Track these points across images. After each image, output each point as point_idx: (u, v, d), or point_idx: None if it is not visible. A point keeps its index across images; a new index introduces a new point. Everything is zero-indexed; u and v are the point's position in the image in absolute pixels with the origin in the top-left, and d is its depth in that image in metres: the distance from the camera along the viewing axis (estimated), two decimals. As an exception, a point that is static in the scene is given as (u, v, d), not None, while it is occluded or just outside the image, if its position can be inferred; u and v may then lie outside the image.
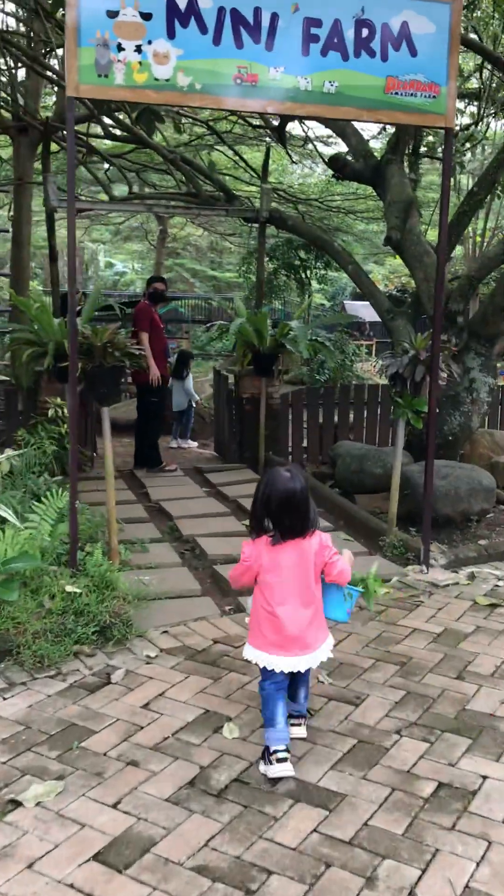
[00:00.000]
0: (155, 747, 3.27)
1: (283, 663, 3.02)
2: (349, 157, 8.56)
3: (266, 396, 8.67)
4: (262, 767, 3.04)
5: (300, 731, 3.29)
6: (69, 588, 4.36)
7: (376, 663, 4.09)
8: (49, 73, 9.12)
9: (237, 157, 13.89)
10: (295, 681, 3.23)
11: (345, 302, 27.39)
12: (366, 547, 6.02)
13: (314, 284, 23.21)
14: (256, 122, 11.02)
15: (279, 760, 2.97)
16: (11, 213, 14.69)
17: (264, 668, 3.07)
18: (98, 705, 3.60)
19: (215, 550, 5.72)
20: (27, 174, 14.16)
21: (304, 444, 9.23)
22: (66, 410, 7.33)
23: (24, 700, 3.64)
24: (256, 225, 8.67)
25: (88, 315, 7.79)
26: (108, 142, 19.18)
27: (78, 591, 4.36)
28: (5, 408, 8.25)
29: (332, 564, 3.09)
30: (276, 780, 2.97)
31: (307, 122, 14.16)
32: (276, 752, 2.98)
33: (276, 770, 2.96)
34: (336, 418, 9.31)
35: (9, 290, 10.34)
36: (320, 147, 16.45)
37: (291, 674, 3.10)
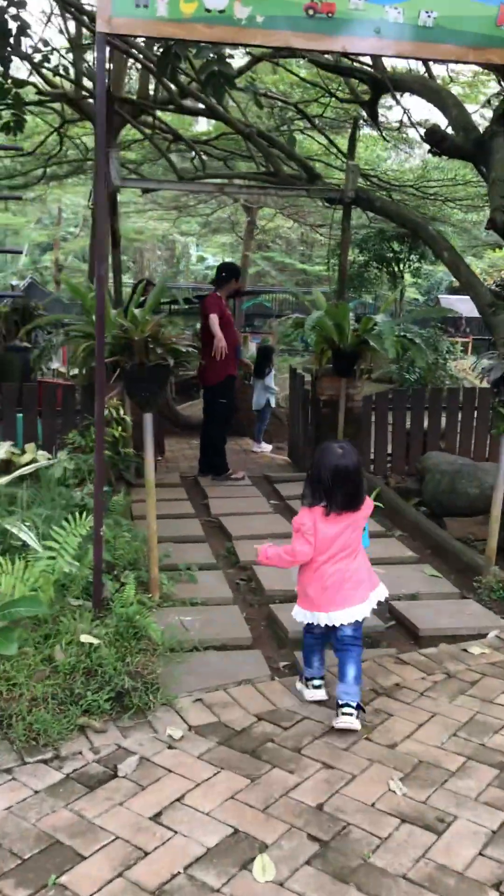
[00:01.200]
0: (158, 892, 2.36)
1: (341, 615, 3.21)
2: (449, 131, 7.43)
3: (346, 398, 7.67)
4: (299, 686, 3.53)
5: (350, 722, 3.17)
6: (84, 638, 3.50)
7: (467, 764, 3.06)
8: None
9: (327, 143, 12.92)
10: (343, 657, 3.27)
11: (440, 296, 25.94)
12: (456, 586, 4.97)
13: (407, 278, 21.91)
14: (344, 93, 9.97)
15: (315, 687, 3.46)
16: (91, 202, 14.11)
17: (307, 625, 3.38)
18: (96, 811, 2.72)
19: (274, 584, 4.78)
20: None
21: (389, 452, 8.18)
22: (122, 411, 6.54)
23: (4, 797, 2.79)
24: (340, 207, 7.64)
25: (151, 307, 6.96)
26: (195, 129, 18.47)
27: (95, 641, 3.50)
28: (63, 407, 7.52)
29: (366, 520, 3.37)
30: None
31: (403, 100, 13.02)
32: (312, 678, 3.47)
33: (311, 694, 3.46)
34: (426, 424, 8.23)
35: (85, 282, 9.61)
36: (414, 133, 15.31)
37: (340, 650, 3.28)
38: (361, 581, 3.26)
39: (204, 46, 4.87)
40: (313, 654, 3.46)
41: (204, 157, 12.17)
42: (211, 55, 5.02)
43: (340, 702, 3.18)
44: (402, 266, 19.55)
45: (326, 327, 7.32)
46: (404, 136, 15.95)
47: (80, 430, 6.65)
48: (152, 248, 37.10)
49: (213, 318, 6.90)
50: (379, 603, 3.36)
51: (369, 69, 8.27)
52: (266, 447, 9.51)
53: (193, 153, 11.83)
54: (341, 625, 3.22)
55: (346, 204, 7.47)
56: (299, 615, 3.39)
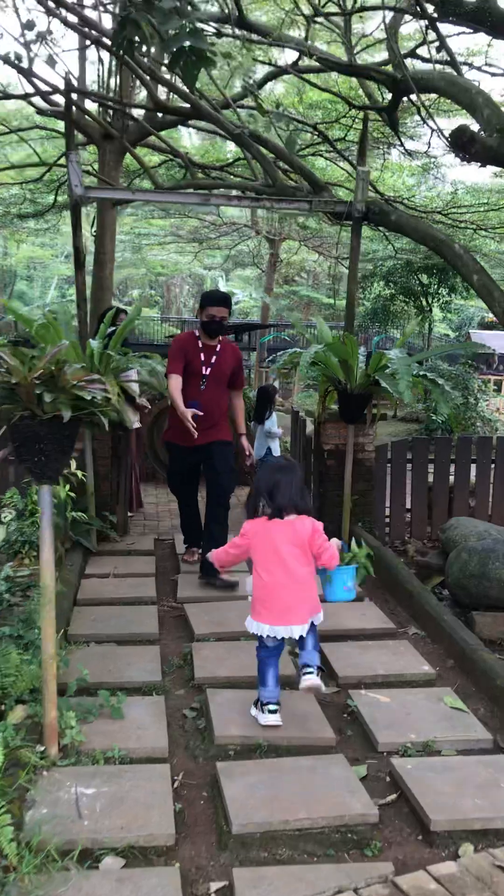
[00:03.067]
0: None
1: (282, 630, 3.28)
2: (480, 133, 6.06)
3: (355, 449, 6.25)
4: (254, 711, 3.39)
5: (312, 680, 3.29)
6: None
7: None
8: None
9: (352, 168, 11.64)
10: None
11: (471, 332, 24.40)
12: (489, 727, 3.47)
13: (436, 312, 20.50)
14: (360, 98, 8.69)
15: (270, 711, 3.32)
16: (94, 230, 12.99)
17: (260, 639, 3.36)
18: None
19: (231, 725, 3.35)
20: (114, 181, 12.40)
21: (408, 512, 6.72)
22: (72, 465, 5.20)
23: None
24: (349, 225, 6.29)
25: (119, 338, 5.64)
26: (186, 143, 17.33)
27: None
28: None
29: (322, 546, 3.30)
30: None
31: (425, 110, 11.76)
32: (267, 703, 3.33)
33: (266, 719, 3.30)
34: (451, 479, 6.77)
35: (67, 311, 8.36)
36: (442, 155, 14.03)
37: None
38: (307, 608, 3.36)
39: (169, 11, 3.58)
40: (267, 671, 3.40)
41: (196, 169, 11.02)
42: (181, 24, 3.75)
43: (305, 663, 3.34)
44: (430, 300, 18.15)
45: (331, 365, 5.93)
46: (431, 162, 14.66)
47: (24, 486, 5.33)
48: (179, 283, 36.19)
49: (171, 383, 5.08)
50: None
51: (388, 70, 6.96)
52: None
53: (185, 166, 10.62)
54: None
55: (355, 219, 6.11)
56: (252, 626, 3.40)
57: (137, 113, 11.26)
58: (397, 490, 6.64)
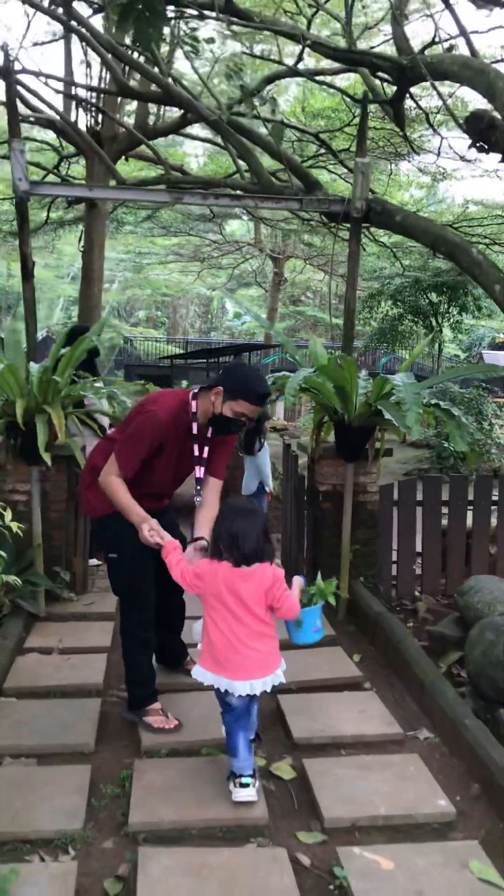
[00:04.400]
0: None
1: (240, 686, 2.90)
2: (499, 117, 5.07)
3: (355, 490, 5.22)
4: (231, 786, 2.96)
5: (247, 794, 2.93)
6: None
7: None
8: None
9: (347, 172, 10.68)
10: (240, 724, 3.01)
11: (483, 352, 23.33)
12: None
13: (447, 332, 19.49)
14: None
15: (242, 786, 2.93)
16: (82, 244, 12.07)
17: (222, 700, 3.01)
18: None
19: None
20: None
21: (419, 567, 5.67)
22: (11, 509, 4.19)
23: None
24: (346, 227, 5.29)
25: (67, 363, 4.66)
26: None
27: None
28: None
29: (280, 599, 2.94)
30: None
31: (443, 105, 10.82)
32: (240, 776, 2.95)
33: (238, 794, 2.92)
34: (469, 524, 5.72)
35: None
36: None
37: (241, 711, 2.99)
38: (268, 663, 2.98)
39: None
40: (237, 738, 2.99)
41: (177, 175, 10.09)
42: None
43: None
44: (440, 319, 17.15)
45: (325, 391, 4.91)
46: (435, 158, 13.65)
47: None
48: (186, 304, 35.35)
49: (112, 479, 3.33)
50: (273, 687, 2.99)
51: (393, 56, 6.00)
52: None
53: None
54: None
55: (353, 219, 5.11)
56: (201, 676, 3.00)
57: (127, 121, 10.39)
58: (406, 537, 5.59)
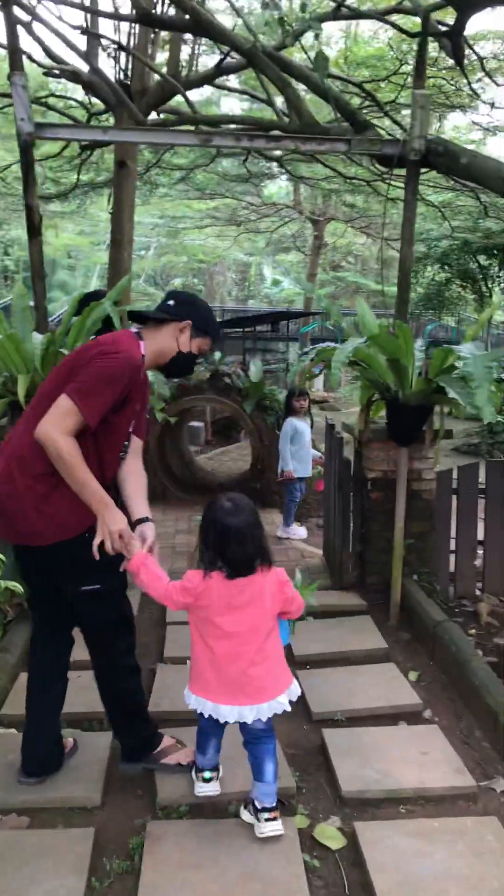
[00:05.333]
0: None
1: (227, 712, 2.52)
2: None
3: (409, 477, 4.54)
4: (195, 778, 2.78)
5: (273, 828, 2.53)
6: None
7: None
8: None
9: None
10: (256, 750, 2.59)
11: (536, 318, 22.13)
12: None
13: (496, 297, 18.45)
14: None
15: (205, 780, 2.75)
16: (111, 207, 11.38)
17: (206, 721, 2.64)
18: None
19: None
20: (130, 154, 10.78)
21: (479, 562, 4.98)
22: None
23: None
24: (401, 175, 4.53)
25: (78, 333, 4.02)
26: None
27: None
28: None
29: (293, 599, 2.59)
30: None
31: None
32: (203, 769, 2.76)
33: (200, 788, 2.75)
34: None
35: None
36: None
37: (252, 742, 2.59)
38: (263, 687, 2.52)
39: None
40: (207, 740, 2.74)
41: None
42: None
43: (259, 805, 2.56)
44: (490, 283, 16.15)
45: (376, 365, 4.21)
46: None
47: None
48: (223, 271, 34.47)
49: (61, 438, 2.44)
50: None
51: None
52: (297, 531, 6.34)
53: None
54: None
55: (410, 163, 4.35)
56: (189, 698, 2.63)
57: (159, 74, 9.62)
58: (466, 529, 4.89)
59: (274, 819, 2.53)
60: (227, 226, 20.10)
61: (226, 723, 2.57)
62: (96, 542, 2.50)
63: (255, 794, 2.59)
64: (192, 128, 4.32)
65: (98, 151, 13.98)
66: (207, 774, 2.76)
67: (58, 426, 2.40)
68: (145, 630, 4.32)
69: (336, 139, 4.39)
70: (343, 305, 25.27)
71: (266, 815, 2.53)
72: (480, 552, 5.01)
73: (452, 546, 4.91)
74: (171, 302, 2.77)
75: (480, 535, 4.95)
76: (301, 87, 6.30)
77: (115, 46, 9.17)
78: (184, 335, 2.73)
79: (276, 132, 4.46)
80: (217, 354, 7.74)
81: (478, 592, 4.95)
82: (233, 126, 5.66)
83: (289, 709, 2.56)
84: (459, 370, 3.81)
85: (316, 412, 13.25)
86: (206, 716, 2.57)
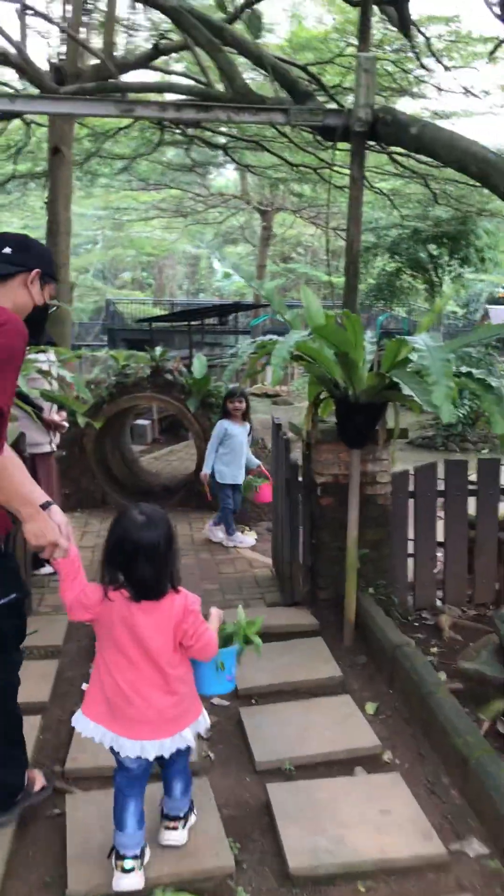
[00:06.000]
0: None
1: (129, 746, 2.23)
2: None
3: (363, 481, 4.10)
4: (114, 865, 2.27)
5: (176, 837, 2.41)
6: None
7: None
8: None
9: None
10: (165, 770, 2.41)
11: (488, 307, 21.98)
12: None
13: (446, 287, 18.24)
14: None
15: (124, 870, 2.24)
16: (46, 195, 10.76)
17: (113, 752, 2.30)
18: None
19: None
20: (65, 139, 10.19)
21: (439, 573, 4.58)
22: None
23: None
24: (345, 148, 4.07)
25: None
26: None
27: None
28: None
29: (195, 635, 2.25)
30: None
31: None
32: (124, 855, 2.25)
33: (119, 881, 2.24)
34: (502, 514, 4.63)
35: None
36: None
37: (161, 761, 2.32)
38: (169, 720, 2.25)
39: None
40: (126, 806, 2.29)
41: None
42: None
43: (163, 812, 2.43)
44: (440, 273, 15.90)
45: (323, 360, 3.76)
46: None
47: None
48: (173, 265, 33.79)
49: None
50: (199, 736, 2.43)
51: None
52: (243, 539, 5.83)
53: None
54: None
55: (356, 134, 3.90)
56: (81, 723, 2.30)
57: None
58: (424, 535, 4.48)
59: (175, 829, 2.40)
60: (174, 217, 19.51)
61: (147, 771, 2.32)
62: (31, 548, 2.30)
63: (161, 803, 2.43)
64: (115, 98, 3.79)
65: (35, 139, 13.35)
66: (128, 864, 2.25)
67: None
68: (70, 663, 3.81)
69: (273, 109, 3.92)
70: (294, 298, 24.84)
71: (168, 823, 2.41)
72: (440, 557, 4.62)
73: (411, 550, 4.51)
74: (6, 250, 2.33)
75: (440, 538, 4.57)
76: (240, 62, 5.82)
77: (45, 21, 8.57)
78: (34, 286, 2.37)
79: (207, 103, 3.95)
80: (158, 349, 7.23)
81: (438, 603, 4.56)
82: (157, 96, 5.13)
83: (192, 744, 2.33)
84: (414, 363, 3.40)
85: (266, 408, 12.80)
86: (123, 762, 2.28)
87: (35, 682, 3.48)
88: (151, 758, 2.26)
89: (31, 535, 2.19)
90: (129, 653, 2.23)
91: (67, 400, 3.70)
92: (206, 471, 5.76)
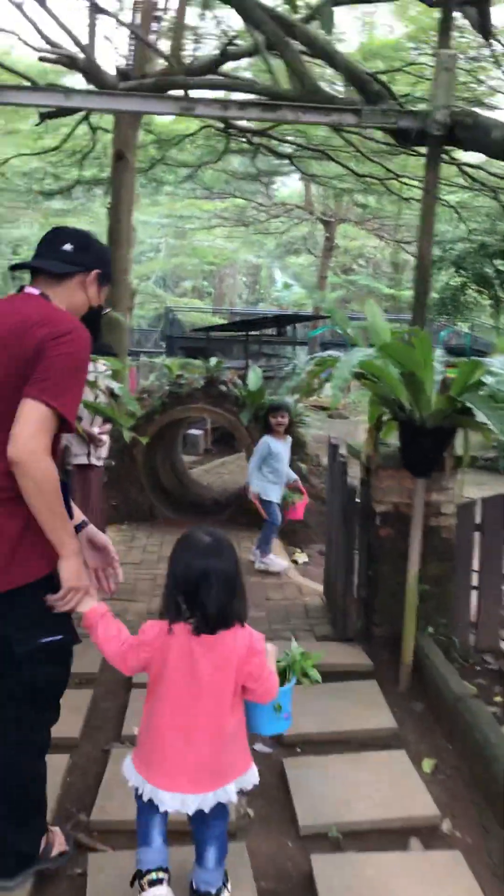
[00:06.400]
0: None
1: (168, 800, 2.03)
2: None
3: (426, 512, 3.78)
4: (138, 886, 2.09)
5: None
6: None
7: None
8: None
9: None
10: (199, 832, 2.14)
11: None
12: None
13: (513, 304, 17.64)
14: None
15: (151, 883, 2.06)
16: (109, 201, 10.67)
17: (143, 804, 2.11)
18: None
19: None
20: (129, 145, 10.09)
21: (506, 612, 4.21)
22: None
23: None
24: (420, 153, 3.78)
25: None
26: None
27: None
28: None
29: (260, 677, 2.06)
30: None
31: None
32: (147, 873, 2.08)
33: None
34: None
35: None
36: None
37: (196, 818, 2.10)
38: (215, 773, 2.05)
39: None
40: (150, 824, 2.12)
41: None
42: None
43: (195, 888, 2.13)
44: (508, 288, 15.34)
45: (387, 379, 3.46)
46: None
47: None
48: (233, 274, 33.72)
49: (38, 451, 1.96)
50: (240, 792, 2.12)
51: None
52: (276, 562, 5.51)
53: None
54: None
55: (433, 138, 3.60)
56: (128, 771, 2.13)
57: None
58: (491, 572, 4.12)
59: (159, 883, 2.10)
60: (236, 226, 19.37)
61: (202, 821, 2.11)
62: (63, 592, 2.06)
63: (192, 876, 2.16)
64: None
65: (101, 144, 13.32)
66: (154, 875, 2.06)
67: (40, 443, 1.93)
68: (105, 693, 3.58)
69: (344, 109, 3.64)
70: (354, 310, 24.46)
71: None
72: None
73: (475, 585, 4.16)
74: (67, 247, 2.21)
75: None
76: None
77: (116, 26, 8.49)
78: (92, 287, 2.25)
79: (274, 101, 3.70)
80: (213, 359, 7.01)
81: (503, 644, 4.19)
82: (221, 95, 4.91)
83: (234, 799, 2.10)
84: (489, 387, 3.08)
85: (321, 421, 12.47)
86: (146, 799, 2.09)
87: (65, 715, 3.23)
88: (191, 812, 2.06)
89: (72, 575, 2.05)
90: (183, 693, 2.03)
91: (114, 413, 3.48)
92: (254, 490, 5.48)
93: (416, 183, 13.50)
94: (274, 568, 5.46)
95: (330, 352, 3.64)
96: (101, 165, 14.88)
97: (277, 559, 5.59)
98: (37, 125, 10.14)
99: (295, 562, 5.91)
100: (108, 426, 4.41)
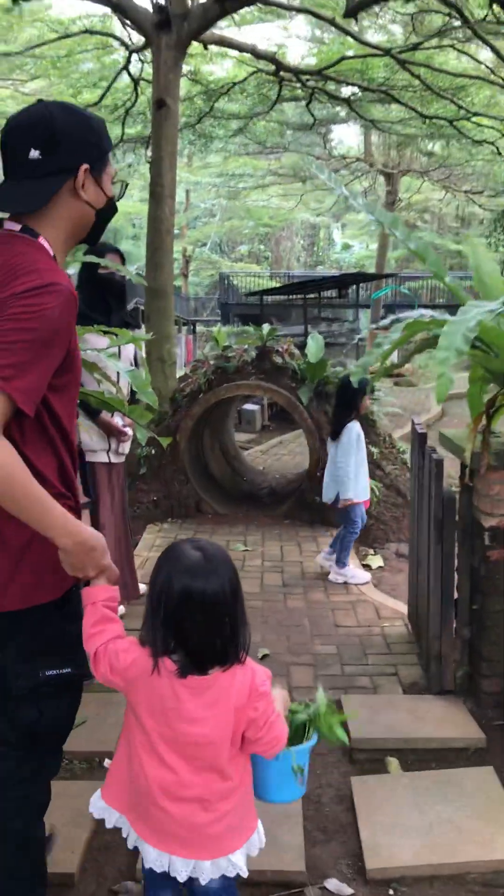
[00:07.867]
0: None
1: (153, 856, 1.64)
2: None
3: None
4: None
5: None
6: None
7: None
8: None
9: None
10: None
11: None
12: None
13: None
14: None
15: None
16: (149, 154, 9.62)
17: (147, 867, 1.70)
18: None
19: None
20: (170, 91, 9.00)
21: None
22: None
23: None
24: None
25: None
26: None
27: None
28: None
29: (265, 727, 1.62)
30: None
31: None
32: None
33: None
34: None
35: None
36: None
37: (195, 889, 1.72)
38: (211, 838, 1.62)
39: None
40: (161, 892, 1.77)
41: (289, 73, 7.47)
42: None
43: None
44: None
45: (502, 349, 2.37)
46: None
47: None
48: (290, 236, 32.31)
49: None
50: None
51: None
52: (356, 574, 4.48)
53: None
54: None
55: None
56: (97, 807, 1.73)
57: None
58: None
59: None
60: (292, 183, 18.08)
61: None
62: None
63: None
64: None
65: (144, 98, 12.26)
66: None
67: None
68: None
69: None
70: (418, 269, 22.85)
71: None
72: None
73: None
74: (33, 154, 1.58)
75: None
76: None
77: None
78: (89, 187, 1.65)
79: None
80: (266, 326, 5.97)
81: None
82: None
83: (244, 872, 1.65)
84: None
85: (388, 391, 11.27)
86: (130, 846, 1.74)
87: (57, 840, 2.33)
88: (182, 879, 1.64)
89: (69, 566, 1.61)
90: (163, 745, 1.60)
91: (122, 405, 2.51)
92: (353, 496, 4.39)
93: (486, 122, 12.06)
94: (355, 581, 4.44)
95: (423, 311, 2.56)
96: (146, 122, 13.84)
97: (359, 571, 4.57)
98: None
99: (367, 566, 4.87)
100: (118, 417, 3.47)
